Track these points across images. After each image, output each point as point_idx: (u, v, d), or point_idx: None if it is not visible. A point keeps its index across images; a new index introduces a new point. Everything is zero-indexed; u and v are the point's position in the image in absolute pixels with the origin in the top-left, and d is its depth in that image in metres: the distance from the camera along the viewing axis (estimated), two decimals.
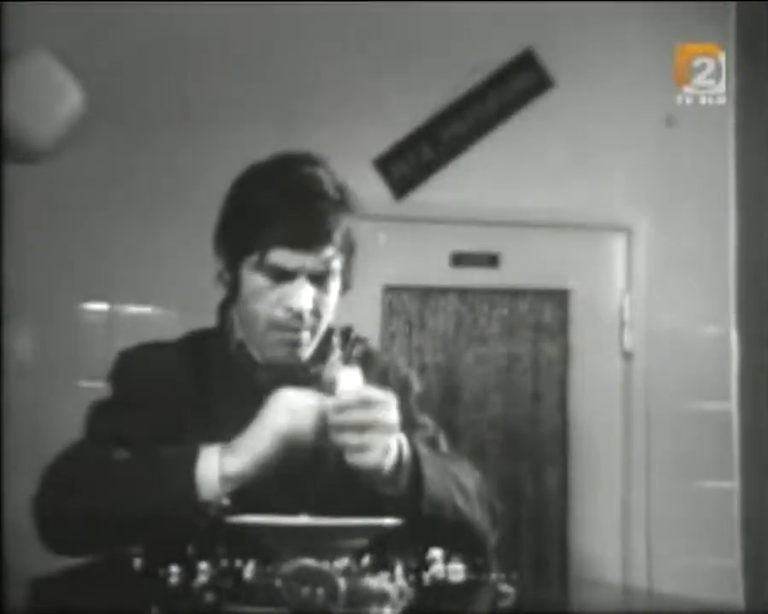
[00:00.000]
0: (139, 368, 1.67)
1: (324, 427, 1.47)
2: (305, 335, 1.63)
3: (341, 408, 1.46)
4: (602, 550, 3.57)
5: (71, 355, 3.31)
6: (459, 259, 3.63)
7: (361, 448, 1.45)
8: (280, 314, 1.60)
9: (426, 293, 3.62)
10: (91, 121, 3.19)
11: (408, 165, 3.57)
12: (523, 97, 3.63)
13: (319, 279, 1.61)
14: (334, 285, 1.64)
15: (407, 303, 3.61)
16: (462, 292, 3.64)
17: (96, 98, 3.18)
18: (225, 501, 1.45)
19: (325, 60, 3.53)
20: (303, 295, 1.59)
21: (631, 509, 3.60)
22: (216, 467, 1.45)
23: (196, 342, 1.72)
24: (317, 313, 1.62)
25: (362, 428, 1.45)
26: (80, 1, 3.29)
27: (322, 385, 1.52)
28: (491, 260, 3.65)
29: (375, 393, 1.48)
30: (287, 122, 3.39)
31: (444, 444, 1.77)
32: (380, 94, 3.53)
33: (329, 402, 1.47)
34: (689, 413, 3.61)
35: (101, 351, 3.35)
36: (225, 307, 1.72)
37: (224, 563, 1.29)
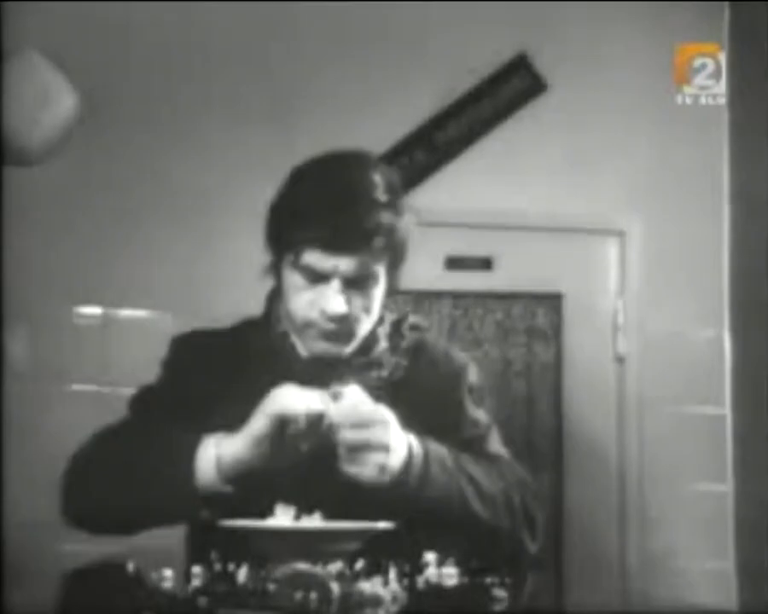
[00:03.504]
0: (186, 355, 1.71)
1: (317, 422, 1.46)
2: (342, 335, 1.61)
3: (335, 427, 1.46)
4: (596, 553, 3.57)
5: (65, 358, 3.31)
6: (453, 263, 3.64)
7: (354, 462, 1.45)
8: (315, 315, 1.59)
9: (420, 297, 3.62)
10: (85, 123, 3.19)
11: (402, 168, 3.56)
12: (517, 101, 3.64)
13: (356, 282, 1.58)
14: (377, 288, 1.62)
15: (401, 306, 3.60)
16: (456, 296, 3.64)
17: (88, 100, 3.18)
18: (227, 488, 1.46)
19: (318, 63, 3.53)
20: (336, 299, 1.56)
21: (625, 512, 3.60)
22: (213, 451, 1.48)
23: (245, 330, 1.73)
24: (354, 317, 1.60)
25: (354, 448, 1.45)
26: (77, 1, 3.30)
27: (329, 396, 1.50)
28: (485, 263, 3.65)
29: (371, 413, 1.47)
30: (280, 126, 3.39)
31: (495, 442, 1.74)
32: (374, 97, 3.53)
33: (329, 406, 1.47)
34: (683, 416, 3.61)
35: (95, 355, 3.37)
36: (273, 297, 1.72)
37: (218, 567, 1.29)
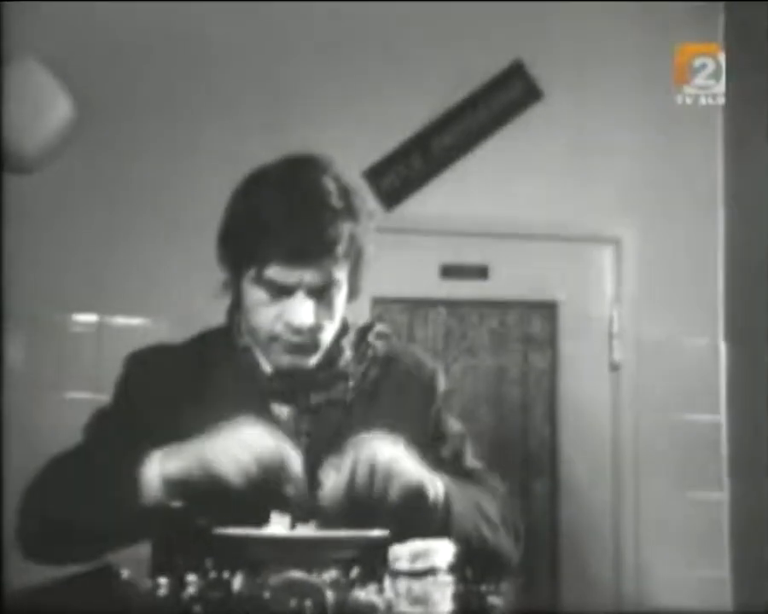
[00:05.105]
0: (142, 373, 1.67)
1: (248, 482, 1.43)
2: (308, 347, 1.59)
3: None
4: (591, 561, 3.57)
5: (61, 365, 3.30)
6: (448, 271, 3.64)
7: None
8: (280, 329, 1.57)
9: (415, 305, 3.62)
10: (80, 130, 3.19)
11: (398, 176, 3.57)
12: (513, 109, 3.64)
13: (320, 291, 1.57)
14: (339, 295, 1.60)
15: (396, 314, 3.61)
16: (452, 304, 3.64)
17: (84, 107, 3.18)
18: (175, 503, 1.45)
19: (314, 70, 3.53)
20: (303, 311, 1.55)
21: (620, 520, 3.60)
22: (157, 468, 1.45)
23: (204, 344, 1.70)
24: (318, 327, 1.58)
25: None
26: (73, 1, 3.30)
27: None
28: (481, 272, 3.65)
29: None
30: (277, 133, 3.39)
31: (469, 455, 1.73)
32: (369, 105, 3.54)
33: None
34: (678, 424, 3.61)
35: (90, 362, 3.37)
36: (233, 311, 1.69)
37: (213, 574, 1.29)
